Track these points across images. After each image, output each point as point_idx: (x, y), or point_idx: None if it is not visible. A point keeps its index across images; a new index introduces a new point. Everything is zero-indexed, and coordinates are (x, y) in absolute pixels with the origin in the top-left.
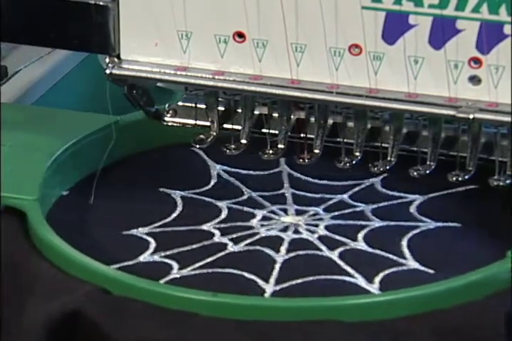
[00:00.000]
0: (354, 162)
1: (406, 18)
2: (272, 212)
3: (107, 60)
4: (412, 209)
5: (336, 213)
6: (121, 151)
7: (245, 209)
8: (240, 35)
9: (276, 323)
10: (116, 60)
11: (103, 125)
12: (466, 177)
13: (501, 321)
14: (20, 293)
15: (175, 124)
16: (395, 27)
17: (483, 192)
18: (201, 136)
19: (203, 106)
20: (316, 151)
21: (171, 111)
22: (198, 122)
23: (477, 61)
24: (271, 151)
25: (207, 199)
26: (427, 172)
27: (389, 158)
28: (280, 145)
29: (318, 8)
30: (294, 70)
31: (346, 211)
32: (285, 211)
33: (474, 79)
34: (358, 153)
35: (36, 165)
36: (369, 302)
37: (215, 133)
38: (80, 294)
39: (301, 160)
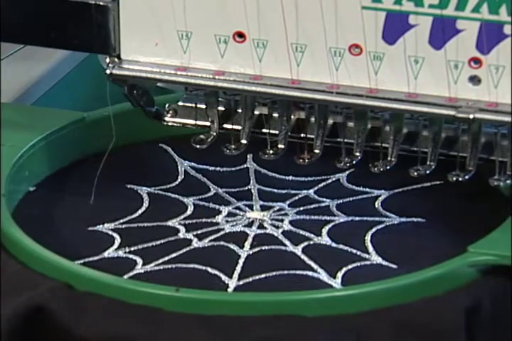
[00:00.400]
0: (354, 162)
1: (406, 18)
2: (238, 208)
3: (108, 60)
4: (377, 204)
5: (301, 208)
6: (89, 147)
7: (211, 205)
8: (240, 35)
9: (239, 318)
10: (116, 60)
11: (70, 121)
12: (467, 177)
13: (462, 316)
14: None
15: (175, 124)
16: (395, 27)
17: (448, 188)
18: (201, 136)
19: (203, 106)
20: (317, 151)
21: (171, 112)
22: (198, 122)
23: (477, 61)
24: (271, 151)
25: (173, 195)
26: (427, 172)
27: (389, 158)
28: (280, 145)
29: (319, 8)
30: (294, 70)
31: (311, 206)
32: (251, 207)
33: (474, 79)
34: (358, 153)
35: (3, 161)
36: (331, 297)
37: (215, 133)
38: (44, 289)
39: (301, 160)
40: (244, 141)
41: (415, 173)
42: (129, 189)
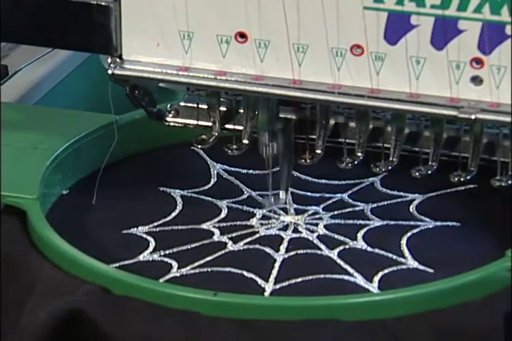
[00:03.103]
0: (356, 162)
1: (408, 19)
2: (272, 211)
3: (109, 61)
4: (412, 208)
5: (336, 212)
6: (122, 150)
7: (245, 208)
8: (242, 35)
9: (276, 322)
10: (118, 60)
11: (103, 124)
12: (468, 177)
13: (500, 321)
14: (21, 293)
15: (177, 124)
16: (397, 27)
17: (483, 192)
18: (203, 136)
19: (205, 107)
20: (318, 152)
21: (172, 112)
22: (200, 122)
23: (479, 61)
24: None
25: (207, 198)
26: (429, 172)
27: (391, 159)
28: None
29: (320, 9)
30: (295, 70)
31: (346, 210)
32: (285, 210)
33: (476, 80)
34: (360, 154)
35: (36, 164)
36: (369, 302)
37: (216, 134)
38: (81, 293)
39: (303, 160)
40: (246, 141)
41: (417, 174)
42: (163, 192)
